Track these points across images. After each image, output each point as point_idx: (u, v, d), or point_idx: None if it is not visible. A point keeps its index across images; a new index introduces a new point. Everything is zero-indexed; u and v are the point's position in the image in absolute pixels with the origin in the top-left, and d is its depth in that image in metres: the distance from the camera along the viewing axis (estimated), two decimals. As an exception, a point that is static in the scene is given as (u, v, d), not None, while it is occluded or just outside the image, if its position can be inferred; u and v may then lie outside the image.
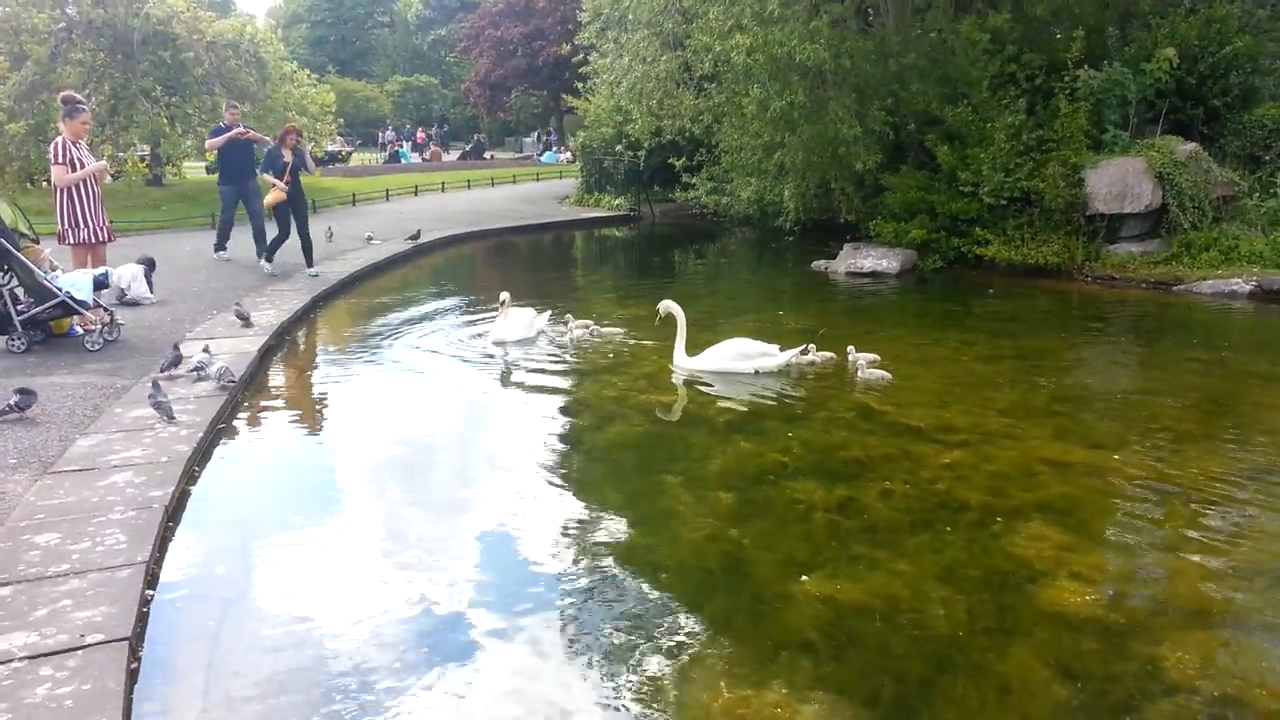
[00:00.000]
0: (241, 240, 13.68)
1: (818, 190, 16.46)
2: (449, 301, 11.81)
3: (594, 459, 6.21)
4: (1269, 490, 5.47)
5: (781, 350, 8.13)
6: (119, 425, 6.26)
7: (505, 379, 8.08)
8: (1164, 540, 4.91)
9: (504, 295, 9.43)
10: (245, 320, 9.27)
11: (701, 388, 7.72)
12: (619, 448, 6.36)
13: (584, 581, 4.45)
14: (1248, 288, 11.74)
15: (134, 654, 3.66)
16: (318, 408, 7.44)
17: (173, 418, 6.26)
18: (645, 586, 4.41)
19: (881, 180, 15.48)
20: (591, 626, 4.03)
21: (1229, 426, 6.72)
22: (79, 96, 9.59)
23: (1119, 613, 4.12)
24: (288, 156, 12.15)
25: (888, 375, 7.84)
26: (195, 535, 4.93)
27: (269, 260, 12.61)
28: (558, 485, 5.69)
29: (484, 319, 10.13)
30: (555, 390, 7.79)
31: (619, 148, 21.77)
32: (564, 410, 7.24)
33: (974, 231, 14.07)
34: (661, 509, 5.25)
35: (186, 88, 20.24)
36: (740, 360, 8.08)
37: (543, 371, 8.30)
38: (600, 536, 4.93)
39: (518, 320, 9.38)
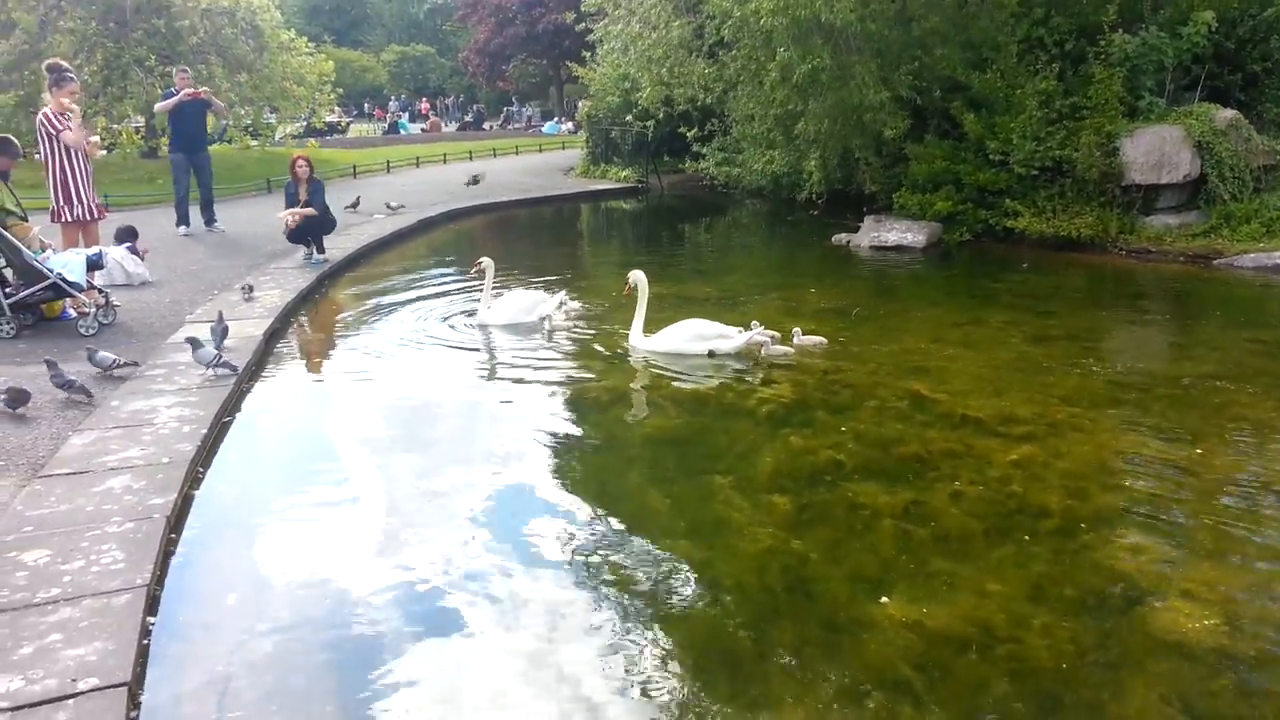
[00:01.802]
0: (238, 213, 13.15)
1: (839, 161, 15.86)
2: (458, 279, 11.25)
3: (632, 457, 5.72)
4: (1374, 490, 5.00)
5: (742, 332, 7.69)
6: (115, 420, 5.77)
7: (531, 368, 7.56)
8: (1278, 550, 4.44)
9: (484, 261, 8.92)
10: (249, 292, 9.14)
11: (737, 373, 7.22)
12: (657, 443, 5.87)
13: (631, 606, 3.98)
14: (1293, 261, 11.23)
15: (133, 700, 3.20)
16: (327, 399, 6.95)
17: (89, 395, 6.08)
18: (702, 610, 3.95)
19: (905, 150, 14.90)
20: (643, 664, 3.56)
21: (1310, 415, 6.24)
22: (65, 64, 9.01)
23: (1245, 640, 3.66)
24: (302, 193, 11.28)
25: (823, 340, 7.80)
26: (201, 550, 4.46)
27: (321, 251, 11.57)
28: (595, 490, 5.21)
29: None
30: (578, 380, 7.29)
31: (629, 117, 21.07)
32: (594, 400, 6.75)
33: (1003, 203, 13.52)
34: (713, 517, 4.77)
35: (182, 57, 19.53)
36: (696, 342, 7.63)
37: (567, 358, 7.80)
38: (647, 551, 4.46)
39: (515, 303, 8.84)
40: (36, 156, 19.48)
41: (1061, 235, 12.83)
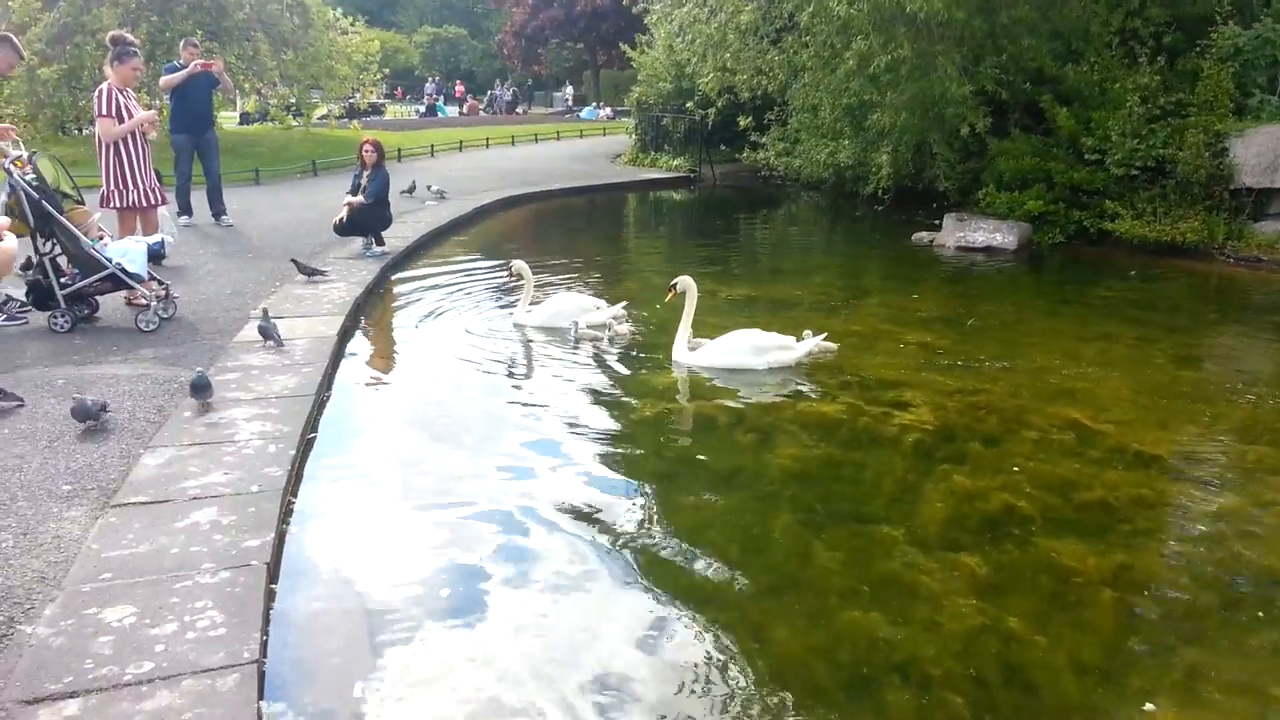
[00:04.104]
0: (286, 197, 12.45)
1: (912, 155, 15.06)
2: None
3: (766, 495, 4.99)
4: None
5: (800, 341, 7.05)
6: (191, 435, 5.14)
7: (602, 378, 6.88)
8: None
9: (516, 264, 8.30)
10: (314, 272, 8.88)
11: (850, 387, 6.52)
12: (798, 480, 5.15)
13: (819, 702, 3.30)
14: None
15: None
16: (418, 409, 6.27)
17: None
18: (909, 704, 3.26)
19: (987, 145, 14.09)
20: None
21: None
22: (130, 38, 8.34)
23: None
24: (364, 178, 10.48)
25: (832, 347, 7.20)
26: (304, 605, 3.81)
27: (380, 244, 10.76)
28: (738, 537, 4.53)
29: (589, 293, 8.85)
30: (675, 396, 6.60)
31: (689, 105, 20.19)
32: (708, 421, 6.07)
33: (1099, 204, 12.70)
34: (893, 579, 4.08)
35: (227, 33, 18.93)
36: (754, 355, 6.92)
37: (638, 371, 7.11)
38: (823, 620, 3.78)
39: (557, 305, 8.15)
40: (80, 132, 19.04)
41: (1164, 240, 12.01)
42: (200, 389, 5.49)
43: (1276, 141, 11.74)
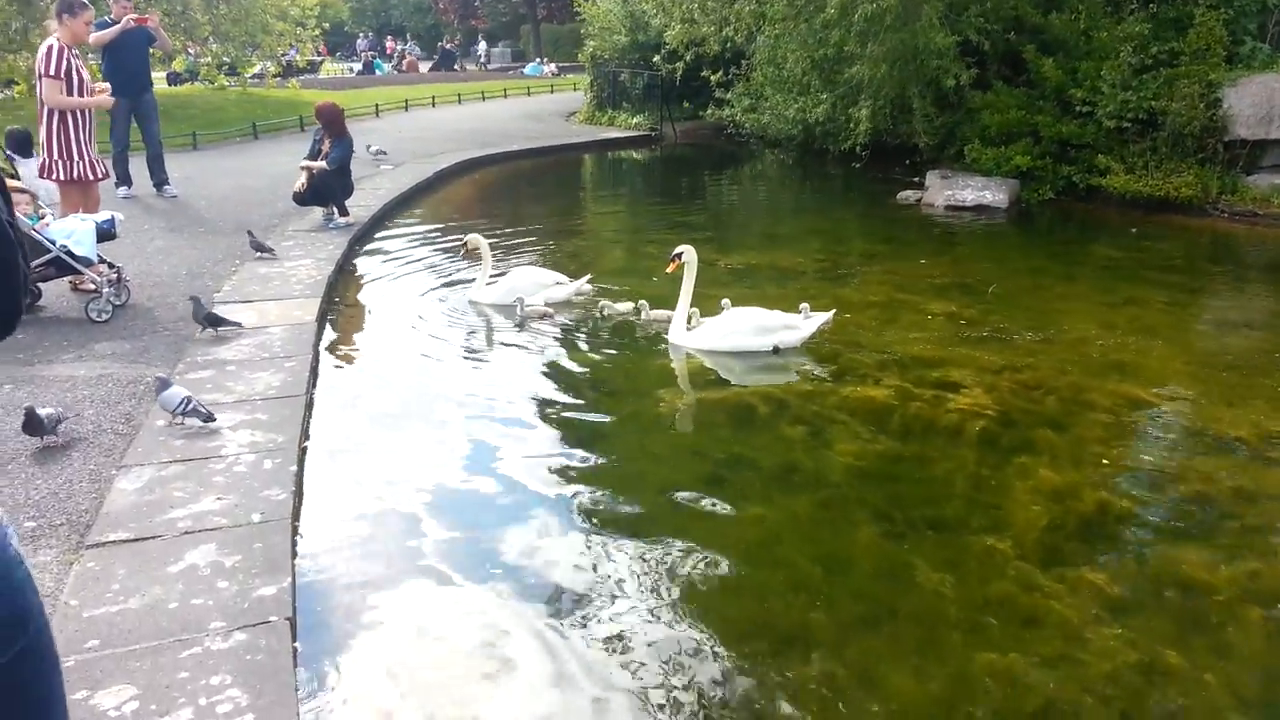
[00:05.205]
0: (226, 163, 11.51)
1: (891, 110, 14.51)
2: (505, 241, 9.84)
3: (840, 503, 4.44)
4: None
5: (805, 318, 6.48)
6: (169, 450, 4.44)
7: (657, 367, 6.29)
8: None
9: (471, 239, 7.61)
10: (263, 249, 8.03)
11: (888, 367, 6.01)
12: (862, 479, 4.61)
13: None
14: None
15: None
16: (417, 406, 5.59)
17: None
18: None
19: (969, 99, 13.61)
20: None
21: None
22: None
23: None
24: (325, 143, 9.62)
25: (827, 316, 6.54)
26: (331, 667, 3.19)
27: (344, 214, 9.88)
28: (810, 547, 4.01)
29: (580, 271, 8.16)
30: (715, 384, 6.04)
31: (656, 59, 19.26)
32: (754, 415, 5.50)
33: (1089, 158, 12.32)
34: (1014, 605, 3.57)
35: (155, -15, 17.61)
36: (760, 335, 6.34)
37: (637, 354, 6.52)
38: (949, 664, 3.27)
39: (512, 281, 7.45)
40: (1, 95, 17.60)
41: (1156, 195, 11.69)
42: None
43: (1272, 91, 11.43)
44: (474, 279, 7.74)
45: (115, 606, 3.23)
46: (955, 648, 3.33)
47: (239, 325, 6.20)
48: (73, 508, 3.90)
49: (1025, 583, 3.67)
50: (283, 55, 22.70)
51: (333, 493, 4.38)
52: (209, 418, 4.62)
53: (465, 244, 7.62)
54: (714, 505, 4.35)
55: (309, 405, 5.22)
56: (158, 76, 22.98)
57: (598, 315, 7.11)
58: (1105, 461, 4.71)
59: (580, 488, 4.51)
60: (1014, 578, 3.71)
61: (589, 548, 3.96)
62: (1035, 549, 3.93)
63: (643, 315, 7.00)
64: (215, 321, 6.08)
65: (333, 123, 9.66)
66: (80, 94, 7.19)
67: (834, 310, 6.58)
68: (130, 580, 3.39)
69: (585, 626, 3.42)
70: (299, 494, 4.18)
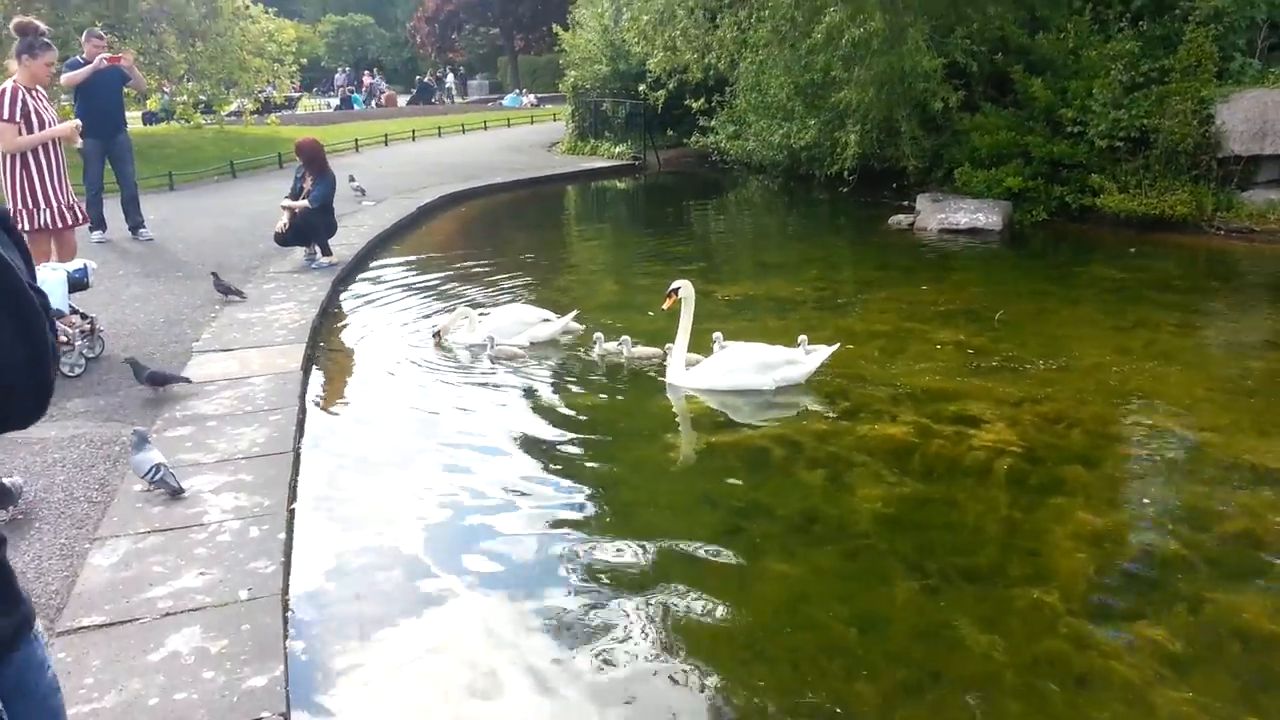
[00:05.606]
0: (205, 203, 11.22)
1: (879, 134, 14.38)
2: (490, 279, 9.57)
3: (868, 554, 4.17)
4: None
5: (807, 352, 6.27)
6: (146, 519, 4.13)
7: (659, 408, 6.02)
8: None
9: (457, 313, 7.40)
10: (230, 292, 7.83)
11: (902, 401, 5.76)
12: (890, 527, 4.35)
13: None
14: None
15: None
16: (413, 459, 5.29)
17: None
18: None
19: (957, 121, 13.49)
20: None
21: None
22: (42, 26, 7.00)
23: None
24: (307, 181, 9.36)
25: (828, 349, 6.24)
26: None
27: (326, 254, 9.57)
28: (842, 607, 3.73)
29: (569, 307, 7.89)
30: (735, 423, 5.78)
31: (642, 88, 19.05)
32: (767, 458, 5.23)
33: (1081, 178, 12.18)
34: (1068, 665, 3.30)
35: (129, 24, 17.36)
36: (762, 373, 6.07)
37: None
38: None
39: (497, 321, 7.18)
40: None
41: (1151, 213, 11.53)
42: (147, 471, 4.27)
43: (1265, 107, 11.33)
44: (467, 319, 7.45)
45: (89, 705, 2.92)
46: (1012, 717, 3.06)
47: (186, 380, 5.86)
48: (42, 589, 3.58)
49: (1077, 640, 3.41)
50: (259, 91, 22.42)
51: (326, 561, 4.08)
52: (177, 491, 4.29)
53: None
54: (732, 559, 4.07)
55: (296, 462, 4.90)
56: (133, 116, 22.75)
57: (594, 356, 6.82)
58: (1146, 500, 4.46)
59: (587, 542, 4.23)
60: (1065, 635, 3.44)
61: (599, 607, 3.69)
62: (1083, 601, 3.67)
63: (624, 352, 6.72)
64: (160, 380, 5.72)
65: (314, 160, 9.40)
66: (19, 150, 6.85)
67: (838, 344, 6.33)
68: (105, 673, 3.08)
69: (602, 701, 3.12)
70: (288, 565, 3.87)
